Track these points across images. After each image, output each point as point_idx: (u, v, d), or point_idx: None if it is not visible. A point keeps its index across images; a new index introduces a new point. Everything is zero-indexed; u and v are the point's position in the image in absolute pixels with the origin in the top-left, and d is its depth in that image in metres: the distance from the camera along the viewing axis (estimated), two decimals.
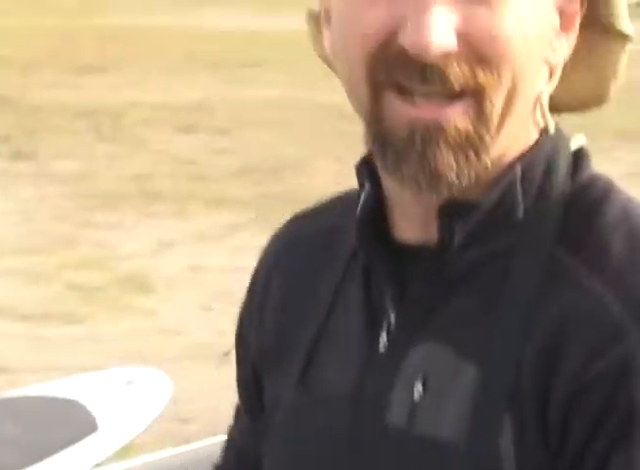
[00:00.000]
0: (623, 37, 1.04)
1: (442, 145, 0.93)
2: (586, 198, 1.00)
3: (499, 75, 0.94)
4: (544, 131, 1.02)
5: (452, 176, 0.94)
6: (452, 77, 0.92)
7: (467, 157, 0.94)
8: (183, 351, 5.78)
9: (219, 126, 11.78)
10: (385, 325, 1.03)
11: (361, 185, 1.08)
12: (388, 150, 0.96)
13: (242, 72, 15.23)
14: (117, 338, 5.98)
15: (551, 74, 1.01)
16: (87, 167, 10.00)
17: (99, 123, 11.83)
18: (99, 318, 6.35)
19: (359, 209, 1.06)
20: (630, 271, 0.94)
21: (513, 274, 0.97)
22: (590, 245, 0.97)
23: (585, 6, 1.01)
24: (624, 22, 1.03)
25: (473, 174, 0.95)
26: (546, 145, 1.02)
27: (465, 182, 0.95)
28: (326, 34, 1.02)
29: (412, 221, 1.02)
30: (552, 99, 1.04)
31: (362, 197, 1.06)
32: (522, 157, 1.00)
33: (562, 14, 1.00)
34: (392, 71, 0.93)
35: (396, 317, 1.02)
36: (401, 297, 1.02)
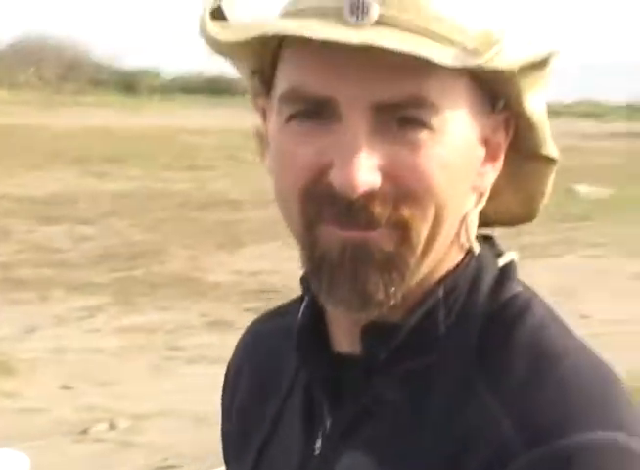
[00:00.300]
0: (550, 161, 1.02)
1: (370, 265, 0.92)
2: (503, 317, 0.97)
3: (423, 209, 0.91)
4: (469, 252, 1.00)
5: (380, 296, 0.92)
6: (376, 214, 0.91)
7: (392, 278, 0.92)
8: (43, 428, 5.63)
9: (81, 217, 11.65)
10: (321, 430, 1.01)
11: (303, 297, 1.06)
12: (322, 273, 0.94)
13: (102, 167, 15.14)
14: None
15: (479, 198, 0.99)
16: None
17: None
18: None
19: (299, 318, 1.04)
20: (527, 394, 0.91)
21: (431, 390, 0.95)
22: (498, 364, 0.94)
23: (510, 135, 0.99)
24: (550, 146, 1.01)
25: (399, 295, 0.93)
26: (470, 265, 0.99)
27: (392, 302, 0.93)
28: (267, 155, 1.00)
29: (345, 333, 1.00)
30: (483, 215, 1.01)
31: (302, 308, 1.04)
32: (445, 278, 0.98)
33: (487, 145, 0.97)
34: (322, 208, 0.92)
35: (331, 424, 1.00)
36: (337, 404, 1.00)
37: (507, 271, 1.01)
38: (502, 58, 0.89)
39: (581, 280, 9.50)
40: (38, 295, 8.49)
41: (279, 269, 9.49)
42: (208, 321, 7.86)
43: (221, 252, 10.15)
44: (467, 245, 0.99)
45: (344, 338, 1.00)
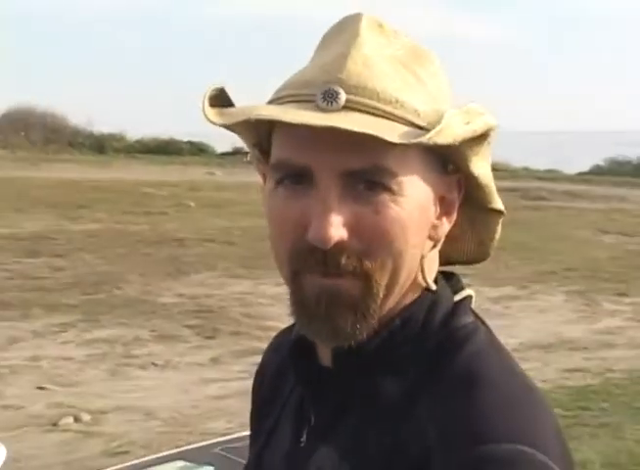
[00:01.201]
0: (497, 213, 1.01)
1: (340, 306, 0.90)
2: (448, 344, 0.94)
3: (383, 262, 0.90)
4: (426, 289, 0.97)
5: (348, 330, 0.91)
6: (344, 265, 0.89)
7: (358, 318, 0.91)
8: (21, 422, 5.49)
9: (57, 251, 11.48)
10: (306, 426, 1.00)
11: None
12: (302, 314, 0.93)
13: (75, 211, 14.94)
14: None
15: (434, 245, 0.97)
16: None
17: None
18: None
19: (293, 337, 1.02)
20: (453, 412, 0.87)
21: (383, 403, 0.93)
22: (436, 385, 0.91)
23: (463, 193, 0.97)
24: (496, 201, 0.99)
25: (364, 331, 0.91)
26: (426, 300, 0.96)
27: (359, 337, 0.91)
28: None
29: (323, 352, 0.99)
30: (446, 256, 1.00)
31: (296, 328, 1.02)
32: (403, 311, 0.95)
33: (442, 202, 0.95)
34: (305, 261, 0.91)
35: (314, 422, 0.99)
36: (320, 406, 0.99)
37: (461, 305, 0.99)
38: (442, 136, 0.88)
39: None
40: (21, 313, 8.30)
41: (214, 293, 9.41)
42: (157, 335, 7.75)
43: (168, 279, 10.04)
44: (424, 283, 0.97)
45: (324, 355, 0.99)
